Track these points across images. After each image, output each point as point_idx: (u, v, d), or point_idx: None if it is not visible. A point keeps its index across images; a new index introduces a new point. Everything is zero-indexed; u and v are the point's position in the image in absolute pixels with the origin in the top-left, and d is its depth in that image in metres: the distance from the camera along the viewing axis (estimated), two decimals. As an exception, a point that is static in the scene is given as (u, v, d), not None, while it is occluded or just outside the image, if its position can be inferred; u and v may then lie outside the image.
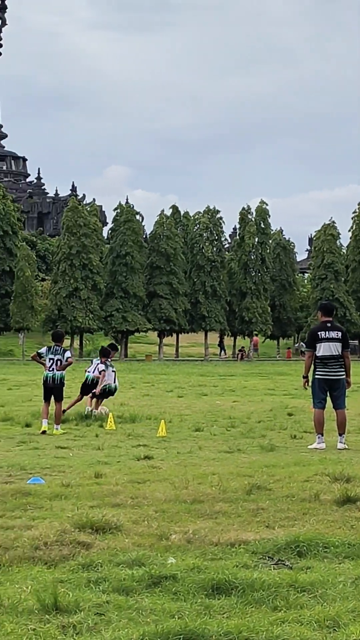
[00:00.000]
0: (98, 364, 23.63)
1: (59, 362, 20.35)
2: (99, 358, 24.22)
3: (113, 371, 23.80)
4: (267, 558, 7.71)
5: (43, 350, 20.89)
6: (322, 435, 16.77)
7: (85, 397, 23.58)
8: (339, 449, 16.43)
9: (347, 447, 16.55)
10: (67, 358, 20.48)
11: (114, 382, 23.86)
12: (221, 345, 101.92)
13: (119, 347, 27.24)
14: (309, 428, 18.96)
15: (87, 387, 23.46)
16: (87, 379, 23.55)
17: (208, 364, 79.72)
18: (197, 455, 15.22)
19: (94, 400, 23.26)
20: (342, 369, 17.09)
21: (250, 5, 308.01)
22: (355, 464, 13.63)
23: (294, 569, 7.31)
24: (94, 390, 23.20)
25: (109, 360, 24.15)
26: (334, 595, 6.52)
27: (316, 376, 17.14)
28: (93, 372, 23.45)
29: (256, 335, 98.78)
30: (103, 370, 23.25)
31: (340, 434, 16.85)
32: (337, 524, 9.08)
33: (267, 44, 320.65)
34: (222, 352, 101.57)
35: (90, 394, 23.33)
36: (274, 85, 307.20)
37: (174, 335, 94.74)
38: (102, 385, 23.17)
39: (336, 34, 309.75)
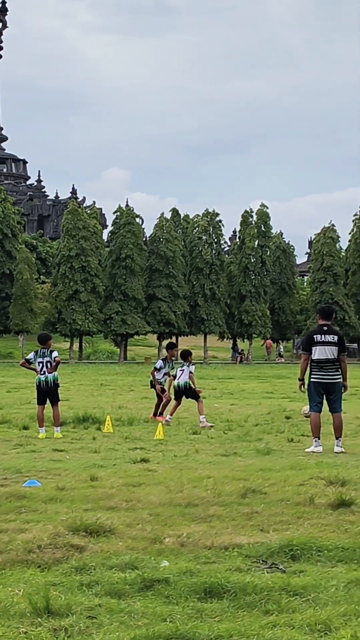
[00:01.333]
0: (184, 368, 23.22)
1: (48, 365, 20.26)
2: (182, 363, 23.48)
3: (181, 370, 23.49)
4: (260, 562, 7.71)
5: (31, 355, 20.72)
6: (319, 439, 16.78)
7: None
8: (336, 452, 16.44)
9: (343, 450, 16.56)
10: (55, 357, 20.34)
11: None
12: (235, 348, 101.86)
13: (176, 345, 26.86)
14: (306, 431, 18.96)
15: (180, 393, 23.14)
16: (179, 386, 23.08)
17: (207, 366, 79.69)
18: (193, 459, 15.22)
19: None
20: (339, 373, 17.10)
21: (251, 8, 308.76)
22: (351, 468, 13.63)
23: (287, 573, 7.31)
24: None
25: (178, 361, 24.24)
26: (325, 599, 6.53)
27: (312, 379, 17.15)
28: (181, 377, 23.06)
29: (268, 338, 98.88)
30: (191, 372, 23.15)
31: (337, 438, 16.86)
32: (331, 527, 9.09)
33: (268, 46, 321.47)
34: (236, 354, 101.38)
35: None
36: (274, 88, 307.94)
37: (174, 338, 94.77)
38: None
39: (338, 36, 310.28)
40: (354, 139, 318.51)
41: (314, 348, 17.06)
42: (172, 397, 23.37)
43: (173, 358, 24.76)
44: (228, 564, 7.54)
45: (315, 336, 17.18)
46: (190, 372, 23.02)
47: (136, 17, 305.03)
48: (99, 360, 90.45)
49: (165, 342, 30.65)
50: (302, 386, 17.43)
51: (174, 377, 23.43)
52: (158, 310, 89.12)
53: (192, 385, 22.83)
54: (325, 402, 17.23)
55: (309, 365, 17.20)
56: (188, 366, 23.18)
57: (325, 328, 17.25)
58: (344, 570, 7.40)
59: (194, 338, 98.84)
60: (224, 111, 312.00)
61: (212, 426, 21.28)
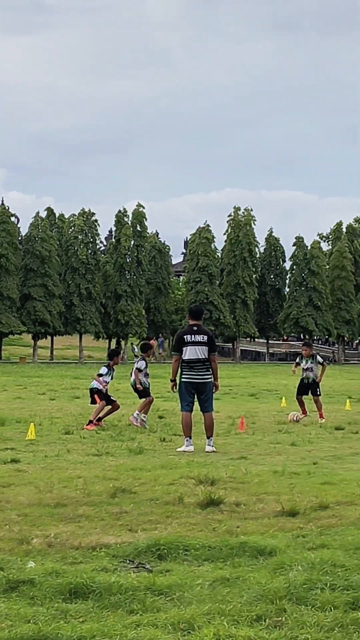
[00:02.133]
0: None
1: None
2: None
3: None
4: (127, 561, 7.71)
5: None
6: (190, 438, 16.87)
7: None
8: (207, 451, 16.55)
9: (215, 450, 16.68)
10: None
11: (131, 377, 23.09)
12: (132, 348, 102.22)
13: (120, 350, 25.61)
14: (178, 431, 19.04)
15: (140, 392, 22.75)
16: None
17: (82, 366, 79.43)
18: (64, 459, 15.13)
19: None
20: (209, 373, 17.23)
21: (127, 8, 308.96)
22: (220, 467, 13.73)
23: (153, 572, 7.32)
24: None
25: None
26: (190, 598, 6.56)
27: (183, 379, 17.23)
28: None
29: (155, 338, 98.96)
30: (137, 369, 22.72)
31: (208, 437, 16.97)
32: (199, 526, 9.15)
33: (145, 47, 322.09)
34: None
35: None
36: (151, 89, 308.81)
37: (49, 337, 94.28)
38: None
39: (213, 37, 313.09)
40: (230, 139, 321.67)
41: (184, 348, 17.15)
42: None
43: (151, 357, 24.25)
44: (95, 564, 7.52)
45: (185, 336, 17.28)
46: (137, 369, 22.68)
47: (11, 16, 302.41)
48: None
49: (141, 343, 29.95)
50: (174, 387, 17.51)
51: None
52: (33, 310, 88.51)
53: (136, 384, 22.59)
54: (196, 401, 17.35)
55: (180, 366, 17.29)
56: (137, 362, 23.14)
57: (195, 328, 17.36)
58: (210, 569, 7.45)
59: (69, 338, 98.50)
60: (101, 111, 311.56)
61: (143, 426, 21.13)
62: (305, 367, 24.78)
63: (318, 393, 24.54)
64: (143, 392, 22.47)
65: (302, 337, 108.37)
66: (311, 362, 24.82)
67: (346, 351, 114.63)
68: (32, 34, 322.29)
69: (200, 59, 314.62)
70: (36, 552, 8.03)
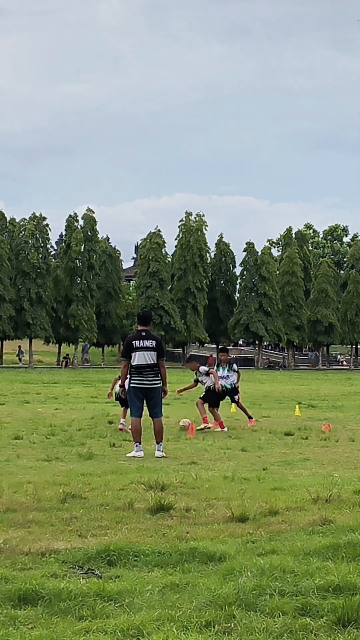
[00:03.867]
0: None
1: None
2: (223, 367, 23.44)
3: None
4: (76, 567, 7.69)
5: None
6: (140, 444, 16.86)
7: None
8: (156, 457, 16.54)
9: (164, 455, 16.67)
10: None
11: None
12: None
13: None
14: (128, 436, 19.03)
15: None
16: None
17: (32, 371, 79.14)
18: (14, 464, 15.06)
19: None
20: (158, 378, 17.23)
21: (79, 12, 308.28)
22: (171, 472, 13.74)
23: (103, 578, 7.31)
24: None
25: None
26: (140, 604, 6.56)
27: (131, 385, 17.23)
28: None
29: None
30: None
31: (157, 442, 16.97)
32: (149, 532, 9.14)
33: (96, 51, 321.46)
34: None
35: None
36: (101, 93, 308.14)
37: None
38: None
39: (164, 42, 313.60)
40: (181, 144, 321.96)
41: (133, 354, 17.15)
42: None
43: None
44: (44, 570, 7.49)
45: (134, 342, 17.28)
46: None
47: None
48: None
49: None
50: (123, 392, 17.48)
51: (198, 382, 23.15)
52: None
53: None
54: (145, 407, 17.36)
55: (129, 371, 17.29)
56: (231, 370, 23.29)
57: (144, 333, 17.37)
58: (160, 575, 7.46)
59: (19, 342, 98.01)
60: (50, 114, 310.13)
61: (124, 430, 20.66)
62: (221, 375, 23.22)
63: (237, 399, 23.89)
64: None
65: (251, 342, 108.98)
66: (228, 370, 23.56)
67: (296, 357, 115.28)
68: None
69: (152, 64, 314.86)
70: (-15, 558, 7.98)
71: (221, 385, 22.89)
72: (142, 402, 17.24)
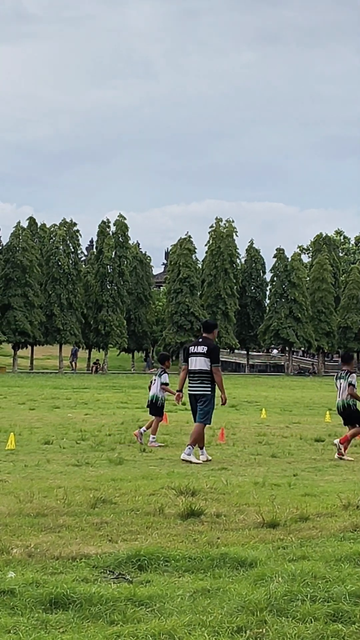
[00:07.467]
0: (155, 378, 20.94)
1: None
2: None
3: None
4: (107, 572, 7.69)
5: None
6: (197, 447, 16.96)
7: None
8: (181, 458, 16.57)
9: (189, 459, 16.58)
10: None
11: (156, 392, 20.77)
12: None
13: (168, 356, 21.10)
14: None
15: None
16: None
17: (62, 376, 79.30)
18: (44, 469, 15.09)
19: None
20: (205, 385, 17.11)
21: (110, 18, 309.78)
22: (201, 478, 13.72)
23: (134, 583, 7.30)
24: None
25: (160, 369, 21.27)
26: (171, 609, 6.54)
27: (188, 391, 17.41)
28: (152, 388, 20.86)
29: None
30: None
31: (187, 444, 16.93)
32: (180, 537, 9.12)
33: (126, 57, 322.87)
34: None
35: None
36: (132, 99, 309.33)
37: (29, 347, 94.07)
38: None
39: (194, 48, 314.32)
40: (211, 150, 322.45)
41: (189, 359, 17.29)
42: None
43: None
44: (75, 575, 7.49)
45: (190, 347, 17.42)
46: (163, 383, 20.70)
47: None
48: None
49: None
50: (180, 398, 17.68)
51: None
52: (13, 320, 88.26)
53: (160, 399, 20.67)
54: None
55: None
56: (160, 375, 20.89)
57: (200, 340, 17.45)
58: (191, 580, 7.44)
59: (49, 347, 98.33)
60: (82, 120, 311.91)
61: (160, 446, 19.48)
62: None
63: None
64: (160, 409, 20.61)
65: (283, 348, 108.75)
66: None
67: (326, 363, 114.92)
68: (13, 44, 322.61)
69: (182, 70, 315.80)
70: (16, 562, 7.99)
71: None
72: (196, 407, 17.27)
